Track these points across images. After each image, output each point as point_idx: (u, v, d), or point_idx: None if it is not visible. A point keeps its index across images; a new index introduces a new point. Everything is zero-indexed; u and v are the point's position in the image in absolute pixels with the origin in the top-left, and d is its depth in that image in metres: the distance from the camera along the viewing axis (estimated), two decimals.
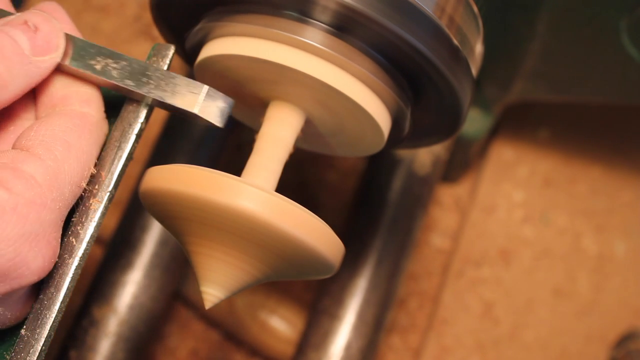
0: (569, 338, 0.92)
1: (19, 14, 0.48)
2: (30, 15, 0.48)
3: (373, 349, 0.80)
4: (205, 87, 0.50)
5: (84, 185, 0.47)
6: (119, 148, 0.49)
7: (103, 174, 0.49)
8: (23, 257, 0.43)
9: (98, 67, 0.49)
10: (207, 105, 0.50)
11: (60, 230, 0.46)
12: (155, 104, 0.50)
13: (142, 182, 0.51)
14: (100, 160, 0.49)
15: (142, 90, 0.50)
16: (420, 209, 0.83)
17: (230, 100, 0.51)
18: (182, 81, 0.50)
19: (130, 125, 0.50)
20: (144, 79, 0.50)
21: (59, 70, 0.49)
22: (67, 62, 0.49)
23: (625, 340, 0.90)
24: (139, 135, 0.50)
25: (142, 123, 0.50)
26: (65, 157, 0.46)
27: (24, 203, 0.43)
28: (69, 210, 0.47)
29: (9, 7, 0.52)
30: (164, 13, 0.58)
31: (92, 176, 0.48)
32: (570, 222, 0.96)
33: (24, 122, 0.49)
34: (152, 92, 0.50)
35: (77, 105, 0.48)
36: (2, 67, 0.45)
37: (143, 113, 0.50)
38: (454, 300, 0.92)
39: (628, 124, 1.00)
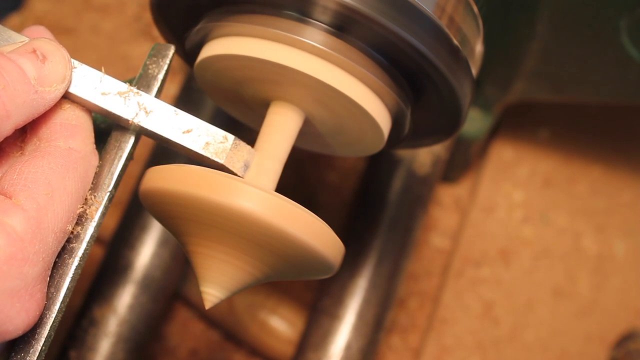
0: (569, 338, 0.92)
1: (27, 40, 0.47)
2: (39, 43, 0.46)
3: (373, 349, 0.80)
4: (232, 137, 0.50)
5: (70, 228, 0.46)
6: (119, 148, 0.49)
7: (102, 175, 0.49)
8: (6, 313, 0.42)
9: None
10: (233, 155, 0.50)
11: (46, 281, 0.45)
12: (175, 148, 0.50)
13: (142, 182, 0.51)
14: (100, 161, 0.49)
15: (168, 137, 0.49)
16: (420, 209, 0.83)
17: (253, 151, 0.51)
18: (209, 129, 0.50)
19: None
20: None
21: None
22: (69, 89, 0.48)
23: (625, 340, 0.90)
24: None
25: None
26: (48, 204, 0.44)
27: (5, 259, 0.41)
28: (54, 258, 0.45)
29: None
30: (164, 13, 0.57)
31: (85, 200, 0.47)
32: (570, 222, 0.96)
33: (9, 158, 0.47)
34: (182, 141, 0.49)
35: (61, 141, 0.46)
36: (6, 96, 0.43)
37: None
38: (454, 300, 0.92)
39: (628, 124, 0.99)
